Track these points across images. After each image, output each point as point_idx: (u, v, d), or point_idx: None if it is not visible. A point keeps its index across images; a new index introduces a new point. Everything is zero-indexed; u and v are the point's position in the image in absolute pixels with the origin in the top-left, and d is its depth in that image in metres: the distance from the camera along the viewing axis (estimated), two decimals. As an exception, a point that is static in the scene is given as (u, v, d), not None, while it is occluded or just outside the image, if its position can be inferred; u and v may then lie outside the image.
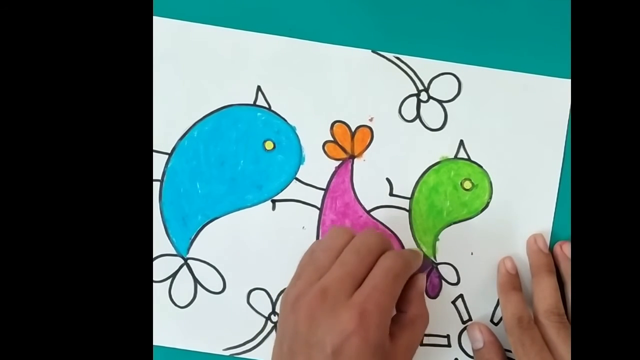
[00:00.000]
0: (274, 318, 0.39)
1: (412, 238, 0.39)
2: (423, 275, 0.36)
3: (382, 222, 0.39)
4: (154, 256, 0.39)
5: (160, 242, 0.39)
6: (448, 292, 0.39)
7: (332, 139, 0.39)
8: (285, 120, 0.39)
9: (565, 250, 0.38)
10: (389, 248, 0.34)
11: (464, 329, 0.39)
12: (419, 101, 0.39)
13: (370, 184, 0.39)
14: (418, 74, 0.39)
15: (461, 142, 0.39)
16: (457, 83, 0.39)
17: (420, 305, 0.35)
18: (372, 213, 0.39)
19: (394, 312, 0.35)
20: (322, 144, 0.39)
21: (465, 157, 0.39)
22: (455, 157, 0.39)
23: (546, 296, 0.37)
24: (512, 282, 0.38)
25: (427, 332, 0.39)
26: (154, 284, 0.39)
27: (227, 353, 0.39)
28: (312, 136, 0.39)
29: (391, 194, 0.39)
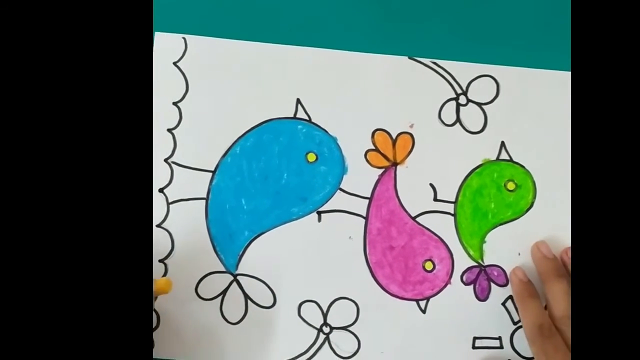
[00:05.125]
0: (326, 329, 0.39)
1: (458, 242, 0.39)
2: None
3: (428, 227, 0.39)
4: (203, 274, 0.39)
5: (209, 259, 0.39)
6: (497, 294, 0.39)
7: (373, 147, 0.39)
8: (326, 132, 0.39)
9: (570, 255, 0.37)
10: None
11: (516, 329, 0.39)
12: (458, 105, 0.39)
13: (414, 190, 0.39)
14: (456, 77, 0.39)
15: (502, 144, 0.39)
16: (495, 85, 0.39)
17: None
18: (417, 219, 0.39)
19: None
20: (364, 153, 0.39)
21: (507, 158, 0.39)
22: (497, 158, 0.39)
23: (558, 301, 0.36)
24: (527, 289, 0.37)
25: (478, 335, 0.39)
26: (205, 301, 0.39)
27: (281, 367, 0.39)
28: (354, 146, 0.39)
29: (435, 199, 0.39)
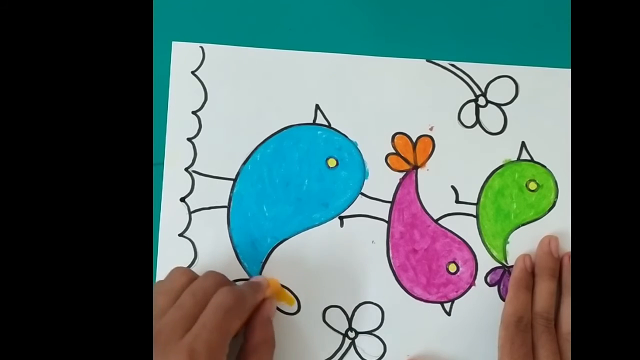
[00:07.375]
0: (351, 334, 0.39)
1: (481, 243, 0.39)
2: (271, 302, 0.37)
3: (451, 229, 0.39)
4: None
5: (232, 267, 0.39)
6: (522, 295, 0.39)
7: (394, 151, 0.39)
8: (346, 137, 0.39)
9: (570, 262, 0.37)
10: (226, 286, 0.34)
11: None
12: (478, 106, 0.39)
13: (435, 192, 0.39)
14: (474, 79, 0.39)
15: (523, 144, 0.39)
16: (514, 85, 0.39)
17: (263, 331, 0.36)
18: (439, 222, 0.39)
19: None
20: (384, 156, 0.39)
21: (528, 158, 0.39)
22: (518, 159, 0.39)
23: (540, 299, 0.37)
24: (526, 279, 0.37)
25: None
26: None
27: (307, 373, 0.39)
28: (374, 150, 0.39)
29: (457, 201, 0.39)
